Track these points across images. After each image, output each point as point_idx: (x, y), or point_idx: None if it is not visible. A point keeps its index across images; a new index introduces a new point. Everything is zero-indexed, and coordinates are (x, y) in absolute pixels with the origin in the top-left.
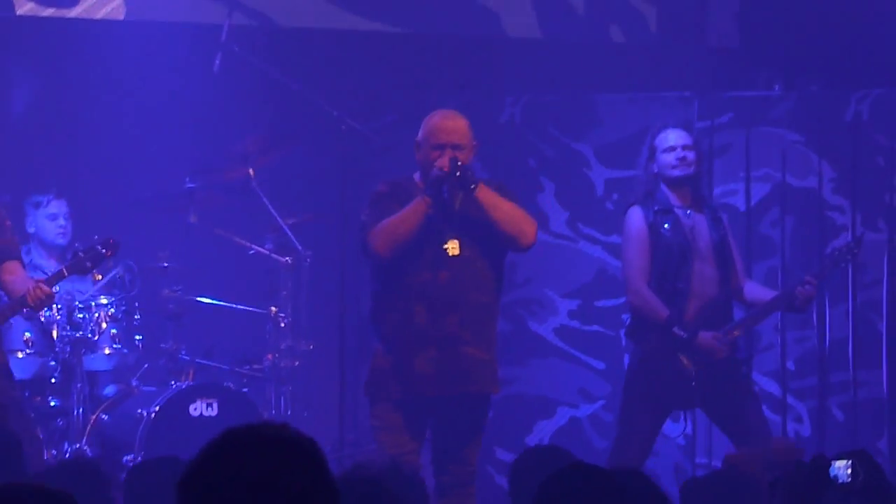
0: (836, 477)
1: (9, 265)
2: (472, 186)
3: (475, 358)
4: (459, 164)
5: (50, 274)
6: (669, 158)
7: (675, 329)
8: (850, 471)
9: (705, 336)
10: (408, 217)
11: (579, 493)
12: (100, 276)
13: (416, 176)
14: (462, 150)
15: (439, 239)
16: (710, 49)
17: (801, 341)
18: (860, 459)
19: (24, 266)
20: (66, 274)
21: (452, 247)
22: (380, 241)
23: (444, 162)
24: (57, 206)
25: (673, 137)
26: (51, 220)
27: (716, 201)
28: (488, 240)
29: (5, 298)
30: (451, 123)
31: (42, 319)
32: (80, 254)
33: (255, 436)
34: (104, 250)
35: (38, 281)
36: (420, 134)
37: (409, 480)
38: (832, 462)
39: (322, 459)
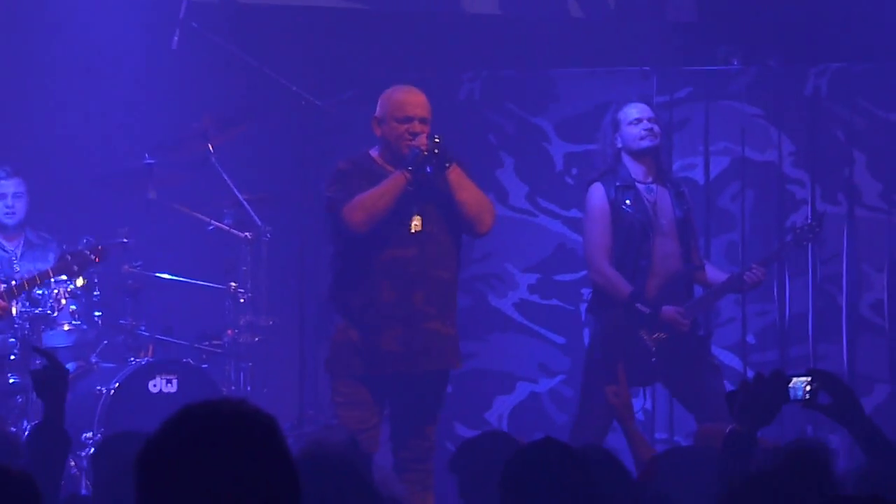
0: (794, 394)
1: None
2: (447, 165)
3: (440, 333)
4: (437, 140)
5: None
6: (636, 130)
7: (639, 305)
8: (808, 388)
9: (668, 310)
10: (385, 192)
11: (546, 469)
12: (83, 281)
13: (373, 152)
14: (427, 124)
15: (404, 216)
16: (669, 23)
17: (761, 315)
18: (822, 378)
19: (10, 236)
20: (51, 275)
21: (415, 223)
22: (357, 215)
23: (422, 141)
24: (6, 186)
25: (637, 111)
26: None
27: (676, 175)
28: (449, 217)
29: None
30: (415, 98)
31: None
32: (68, 256)
33: (213, 412)
34: (93, 256)
35: (17, 284)
36: (379, 110)
37: (360, 461)
38: (791, 378)
39: (280, 436)
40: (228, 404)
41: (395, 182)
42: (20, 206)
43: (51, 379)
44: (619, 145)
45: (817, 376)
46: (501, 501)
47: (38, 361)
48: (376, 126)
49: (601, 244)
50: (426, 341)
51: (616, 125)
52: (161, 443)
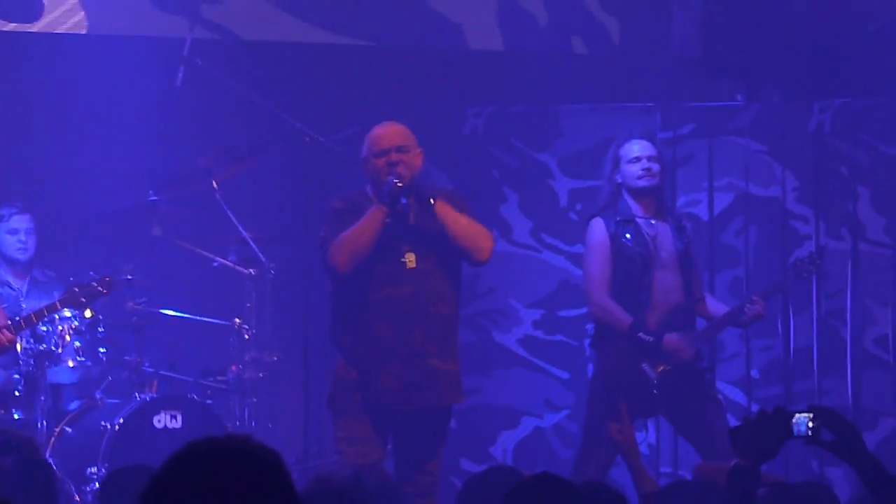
0: (797, 430)
1: None
2: (431, 201)
3: (440, 370)
4: (400, 177)
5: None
6: (634, 169)
7: (641, 334)
8: (810, 424)
9: (671, 338)
10: (365, 229)
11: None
12: (91, 313)
13: (368, 189)
14: (406, 151)
15: (396, 253)
16: (673, 59)
17: (765, 350)
18: (825, 415)
19: (21, 273)
20: (59, 307)
21: (409, 260)
22: (339, 255)
23: (399, 170)
24: (18, 221)
25: (637, 148)
26: (11, 234)
27: (679, 211)
28: (444, 251)
29: None
30: (390, 129)
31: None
32: (76, 289)
33: (217, 449)
34: (100, 288)
35: (3, 327)
36: (364, 150)
37: (381, 485)
38: (794, 414)
39: (285, 472)
40: (233, 440)
41: (371, 218)
42: (31, 243)
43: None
44: (619, 181)
45: (819, 413)
46: None
47: (42, 398)
48: (363, 167)
49: (600, 278)
50: (426, 377)
51: (616, 162)
52: (165, 479)
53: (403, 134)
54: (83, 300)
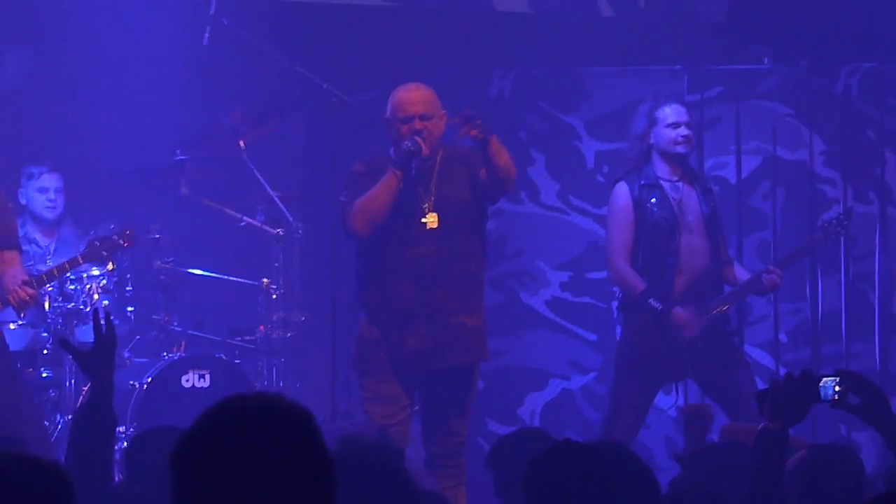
0: (823, 393)
1: (6, 255)
2: (486, 137)
3: (466, 326)
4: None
5: (51, 248)
6: (673, 134)
7: (651, 301)
8: (837, 388)
9: (679, 311)
10: (380, 193)
11: (567, 472)
12: (113, 266)
13: (391, 151)
14: (430, 119)
15: (417, 213)
16: (699, 23)
17: (793, 313)
18: (851, 379)
19: (21, 254)
20: (81, 262)
21: (431, 220)
22: (356, 219)
23: (423, 134)
24: (49, 180)
25: (676, 113)
26: (41, 192)
27: (706, 174)
28: (466, 209)
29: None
30: (414, 94)
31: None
32: (97, 242)
33: (250, 406)
34: (122, 241)
35: (23, 281)
36: (387, 110)
37: (393, 454)
38: (821, 378)
39: (317, 431)
40: (265, 398)
41: (386, 182)
42: (60, 201)
43: (100, 352)
44: (652, 142)
45: (845, 377)
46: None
47: (70, 357)
48: (387, 127)
49: (619, 242)
50: (451, 336)
51: (653, 122)
52: (197, 436)
53: (428, 101)
54: (105, 254)
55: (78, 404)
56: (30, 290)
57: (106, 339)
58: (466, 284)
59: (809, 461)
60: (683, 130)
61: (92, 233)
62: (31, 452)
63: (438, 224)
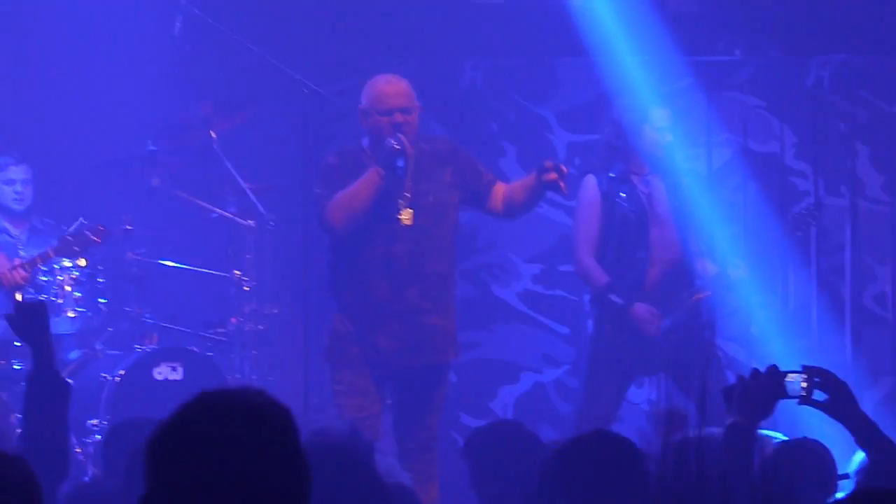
0: (790, 389)
1: None
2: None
3: (436, 327)
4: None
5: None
6: (660, 138)
7: (612, 296)
8: (803, 384)
9: (640, 307)
10: (361, 190)
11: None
12: (85, 262)
13: (365, 142)
14: (410, 113)
15: (392, 209)
16: (670, 13)
17: (765, 307)
18: (817, 375)
19: (18, 222)
20: (51, 255)
21: (406, 217)
22: (335, 214)
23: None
24: (15, 172)
25: (663, 118)
26: (7, 185)
27: (677, 166)
28: (441, 209)
29: None
30: (394, 87)
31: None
32: (69, 237)
33: (229, 400)
34: (93, 237)
35: (16, 264)
36: (364, 101)
37: (363, 449)
38: (787, 374)
39: (294, 429)
40: (245, 393)
41: (368, 179)
42: (28, 193)
43: (28, 316)
44: (634, 137)
45: (811, 373)
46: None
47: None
48: (362, 118)
49: (584, 237)
50: (421, 336)
51: (637, 120)
52: (174, 426)
53: (407, 94)
54: (77, 249)
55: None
56: (23, 273)
57: (32, 303)
58: (438, 284)
59: (779, 456)
60: (668, 136)
61: (64, 227)
62: None
63: (413, 221)
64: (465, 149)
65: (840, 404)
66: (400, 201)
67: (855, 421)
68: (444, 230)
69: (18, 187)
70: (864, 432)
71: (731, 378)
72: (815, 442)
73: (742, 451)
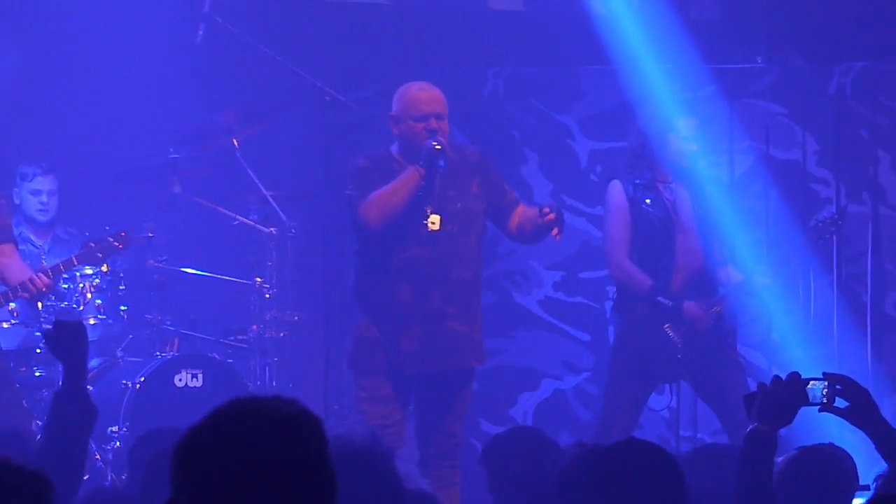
0: (811, 396)
1: (3, 248)
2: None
3: (460, 333)
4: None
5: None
6: (685, 147)
7: (660, 298)
8: (825, 391)
9: (690, 305)
10: (400, 188)
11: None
12: (107, 268)
13: (394, 149)
14: (443, 119)
15: (420, 215)
16: (692, 21)
17: (786, 313)
18: (839, 382)
19: (18, 249)
20: (75, 262)
21: (433, 222)
22: (372, 212)
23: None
24: (41, 182)
25: (688, 128)
26: (34, 195)
27: (701, 173)
28: (469, 215)
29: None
30: (429, 93)
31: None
32: (91, 244)
33: (260, 408)
34: (116, 243)
35: (38, 272)
36: (396, 107)
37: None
38: (808, 381)
39: (324, 439)
40: (277, 402)
41: (408, 178)
42: (53, 204)
43: (67, 335)
44: (659, 146)
45: (833, 380)
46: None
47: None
48: (393, 124)
49: (619, 240)
50: (445, 341)
51: (669, 128)
52: (203, 432)
53: (441, 101)
54: (99, 255)
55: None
56: (45, 279)
57: (71, 323)
58: (463, 290)
59: (799, 462)
60: (693, 145)
61: (87, 234)
62: (14, 457)
63: (440, 226)
64: (493, 164)
65: (861, 412)
66: (427, 207)
67: (876, 428)
68: (471, 237)
69: (44, 198)
70: (886, 440)
71: (753, 386)
72: (837, 448)
73: (762, 457)
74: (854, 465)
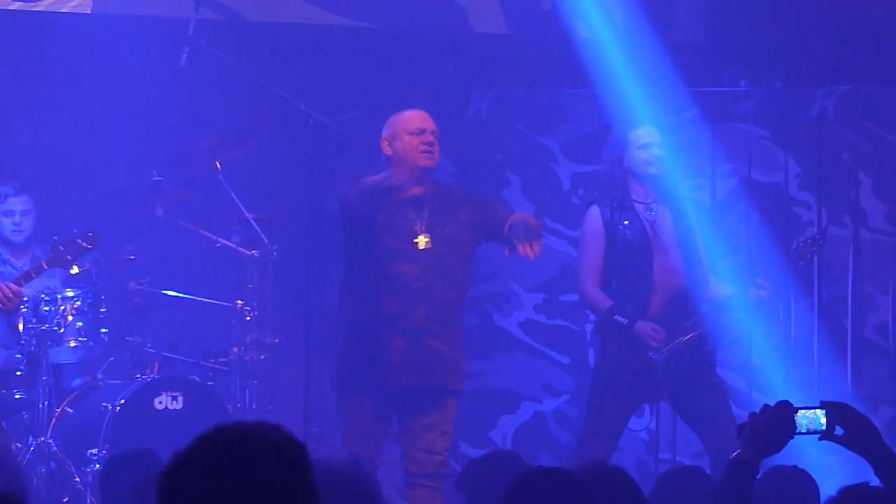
0: (808, 425)
1: None
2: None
3: (440, 351)
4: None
5: (25, 268)
6: (645, 156)
7: (617, 317)
8: (823, 420)
9: (643, 325)
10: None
11: (547, 498)
12: (77, 269)
13: (384, 174)
14: (437, 136)
15: (409, 233)
16: (676, 44)
17: (766, 336)
18: (837, 410)
19: (19, 252)
20: (45, 267)
21: (421, 241)
22: (353, 186)
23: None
24: (14, 203)
25: (647, 135)
26: (6, 216)
27: (682, 195)
28: (456, 240)
29: None
30: (421, 113)
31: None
32: (60, 247)
33: (245, 435)
34: (84, 243)
35: (8, 284)
36: (388, 130)
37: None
38: (798, 409)
39: (309, 466)
40: (262, 429)
41: (391, 180)
42: (27, 224)
43: None
44: (626, 165)
45: (831, 408)
46: None
47: (44, 378)
48: (387, 146)
49: (588, 266)
50: (425, 358)
51: (624, 146)
52: (190, 460)
53: (432, 121)
54: (69, 258)
55: (51, 427)
56: (14, 287)
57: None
58: (445, 310)
59: (764, 483)
60: (655, 151)
61: (55, 238)
62: None
63: (429, 246)
64: (477, 191)
65: (862, 438)
66: (417, 227)
67: (877, 455)
68: (456, 260)
69: (17, 218)
70: (887, 465)
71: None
72: (800, 470)
73: (741, 484)
74: (816, 486)
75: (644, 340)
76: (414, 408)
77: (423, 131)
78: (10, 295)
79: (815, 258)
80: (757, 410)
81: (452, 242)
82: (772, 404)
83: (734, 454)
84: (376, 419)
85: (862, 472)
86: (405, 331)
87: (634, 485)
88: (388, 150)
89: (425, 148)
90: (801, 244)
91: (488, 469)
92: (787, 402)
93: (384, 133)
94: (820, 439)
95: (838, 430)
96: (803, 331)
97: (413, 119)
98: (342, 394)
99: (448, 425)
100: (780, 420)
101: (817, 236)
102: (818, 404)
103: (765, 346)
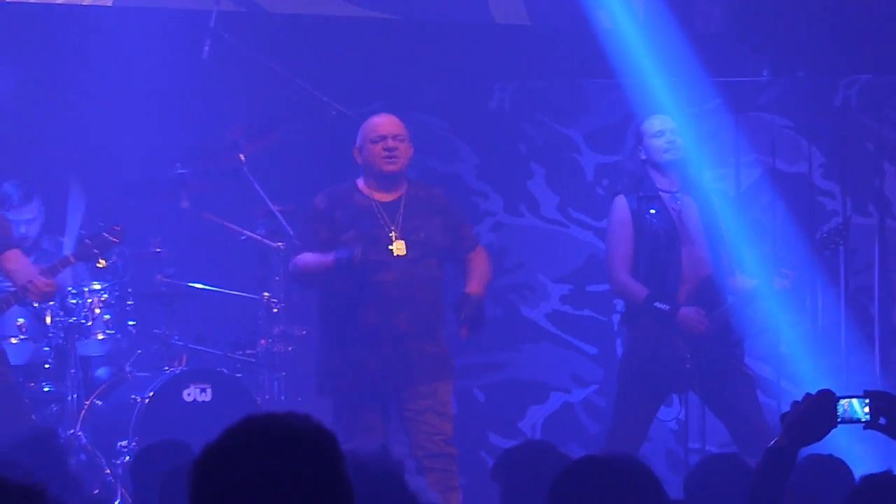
0: (845, 413)
1: (10, 254)
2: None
3: (424, 352)
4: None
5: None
6: (660, 143)
7: (657, 304)
8: (866, 409)
9: (686, 311)
10: (315, 271)
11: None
12: (104, 263)
13: (360, 181)
14: (402, 140)
15: (384, 241)
16: (698, 34)
17: (793, 325)
18: (881, 399)
19: (24, 253)
20: (72, 261)
21: (398, 248)
22: (295, 273)
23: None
24: (20, 213)
25: (659, 122)
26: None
27: (707, 185)
28: (431, 244)
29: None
30: (385, 118)
31: (35, 305)
32: (87, 241)
33: (276, 426)
34: (111, 237)
35: (39, 273)
36: (358, 139)
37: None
38: (839, 399)
39: (340, 456)
40: (292, 419)
41: (325, 265)
42: (33, 230)
43: None
44: (643, 157)
45: (874, 397)
46: None
47: (72, 371)
48: (357, 155)
49: (618, 255)
50: (412, 359)
51: (639, 137)
52: (220, 451)
53: (399, 124)
54: (96, 251)
55: (80, 419)
56: (46, 280)
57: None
58: (426, 311)
59: (799, 471)
60: (669, 137)
61: (82, 232)
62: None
63: (405, 253)
64: (458, 207)
65: None
66: (392, 234)
67: None
68: (432, 262)
69: (23, 228)
70: None
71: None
72: (835, 458)
73: (778, 473)
74: (851, 473)
75: (688, 325)
76: (406, 399)
77: (383, 138)
78: (46, 289)
79: (841, 247)
80: (786, 400)
81: (428, 245)
82: (809, 393)
83: (773, 441)
84: (371, 413)
85: (894, 459)
86: (387, 338)
87: (655, 479)
88: (358, 159)
89: (386, 154)
90: (825, 234)
91: (524, 459)
92: (828, 390)
93: (357, 142)
94: (865, 428)
95: (881, 420)
96: (830, 320)
97: (375, 126)
98: (333, 399)
99: (443, 407)
100: (821, 409)
101: (841, 226)
102: (861, 393)
103: (792, 336)
